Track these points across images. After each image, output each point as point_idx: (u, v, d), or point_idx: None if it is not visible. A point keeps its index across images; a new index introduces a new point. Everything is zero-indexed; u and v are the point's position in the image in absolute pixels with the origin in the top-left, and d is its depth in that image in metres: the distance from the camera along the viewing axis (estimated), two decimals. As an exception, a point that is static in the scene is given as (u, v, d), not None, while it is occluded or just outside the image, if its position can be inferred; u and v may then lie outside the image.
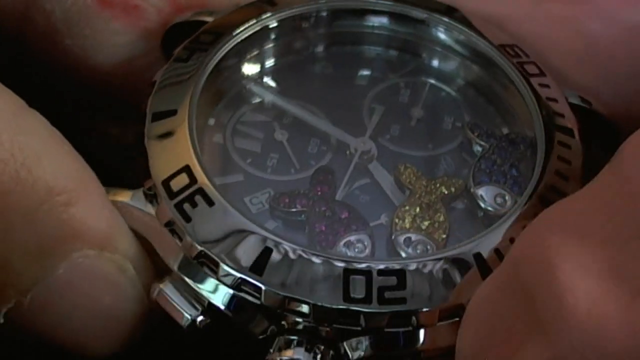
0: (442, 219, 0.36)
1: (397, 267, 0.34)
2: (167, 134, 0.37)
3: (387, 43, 0.42)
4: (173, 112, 0.37)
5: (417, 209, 0.36)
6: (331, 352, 0.34)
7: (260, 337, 0.34)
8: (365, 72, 0.42)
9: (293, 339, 0.34)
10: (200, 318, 0.35)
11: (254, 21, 0.40)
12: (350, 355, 0.34)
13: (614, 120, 0.41)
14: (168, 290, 0.35)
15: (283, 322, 0.34)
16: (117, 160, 0.37)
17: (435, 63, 0.42)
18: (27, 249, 0.33)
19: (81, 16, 0.40)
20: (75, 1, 0.40)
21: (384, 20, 0.42)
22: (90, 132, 0.35)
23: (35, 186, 0.33)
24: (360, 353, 0.34)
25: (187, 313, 0.35)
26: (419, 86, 0.41)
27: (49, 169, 0.34)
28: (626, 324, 0.27)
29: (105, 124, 0.42)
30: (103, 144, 0.36)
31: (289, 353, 0.34)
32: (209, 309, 0.35)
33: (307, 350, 0.34)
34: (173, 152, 0.36)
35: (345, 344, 0.34)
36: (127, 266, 0.35)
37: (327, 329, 0.34)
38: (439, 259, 0.34)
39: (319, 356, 0.34)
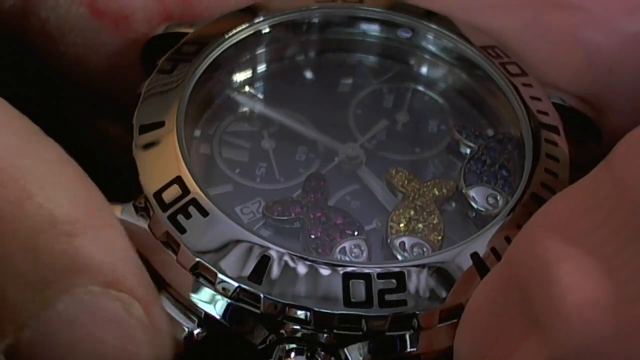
0: (436, 220, 0.36)
1: (396, 269, 0.34)
2: (156, 146, 0.36)
3: (370, 49, 0.42)
4: (161, 124, 0.37)
5: (412, 212, 0.36)
6: (332, 358, 0.34)
7: (260, 346, 0.34)
8: (349, 79, 0.42)
9: (293, 347, 0.34)
10: (197, 330, 0.35)
11: (236, 31, 0.40)
12: None
13: (595, 118, 0.41)
14: (164, 304, 0.35)
15: (282, 331, 0.34)
16: (117, 160, 0.36)
17: (418, 68, 0.42)
18: (25, 280, 0.31)
19: (74, 25, 0.40)
20: (69, 10, 0.40)
21: (366, 27, 0.42)
22: (90, 132, 0.34)
23: (37, 214, 0.31)
24: (361, 358, 0.34)
25: (184, 326, 0.35)
26: (403, 91, 0.42)
27: (53, 197, 0.32)
28: (622, 328, 0.27)
29: (105, 124, 0.42)
30: (103, 144, 0.34)
31: (290, 361, 0.34)
32: (206, 320, 0.34)
33: (307, 358, 0.34)
34: (163, 164, 0.36)
35: (346, 349, 0.34)
36: (134, 306, 0.32)
37: (328, 335, 0.34)
38: (437, 260, 0.34)
39: (319, 364, 0.34)
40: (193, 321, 0.35)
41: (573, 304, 0.28)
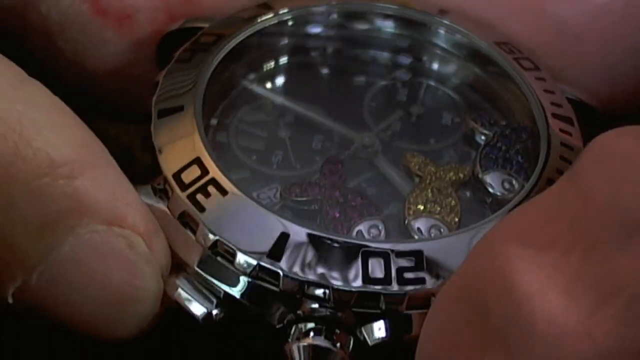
0: (453, 203, 0.37)
1: (414, 248, 0.34)
2: (175, 129, 0.37)
3: (384, 45, 0.43)
4: (179, 108, 0.37)
5: (429, 194, 0.37)
6: (350, 337, 0.34)
7: (278, 326, 0.34)
8: (364, 74, 0.42)
9: (311, 326, 0.34)
10: (216, 310, 0.35)
11: (253, 24, 0.41)
12: (368, 340, 0.34)
13: (604, 111, 0.42)
14: (182, 284, 0.35)
15: (300, 310, 0.34)
16: (117, 160, 0.36)
17: (432, 63, 0.43)
18: (30, 225, 0.32)
19: (75, 21, 0.40)
20: (71, 5, 0.40)
21: (381, 22, 0.42)
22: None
23: (35, 158, 0.32)
24: (378, 337, 0.34)
25: (203, 306, 0.35)
26: (417, 86, 0.42)
27: (50, 140, 0.32)
28: (587, 338, 0.26)
29: (104, 123, 0.42)
30: (103, 144, 0.34)
31: (308, 340, 0.34)
32: (225, 300, 0.34)
33: (326, 337, 0.34)
34: (182, 146, 0.36)
35: (363, 329, 0.34)
36: (137, 242, 0.33)
37: (346, 314, 0.34)
38: (455, 240, 0.34)
39: (338, 343, 0.34)
40: (211, 302, 0.35)
41: (534, 318, 0.27)
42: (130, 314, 0.34)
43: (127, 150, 0.38)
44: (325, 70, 0.42)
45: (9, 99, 0.33)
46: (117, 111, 0.41)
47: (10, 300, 0.32)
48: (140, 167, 0.37)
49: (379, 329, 0.34)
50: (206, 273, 0.35)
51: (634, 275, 0.26)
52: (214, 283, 0.34)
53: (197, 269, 0.35)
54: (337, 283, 0.33)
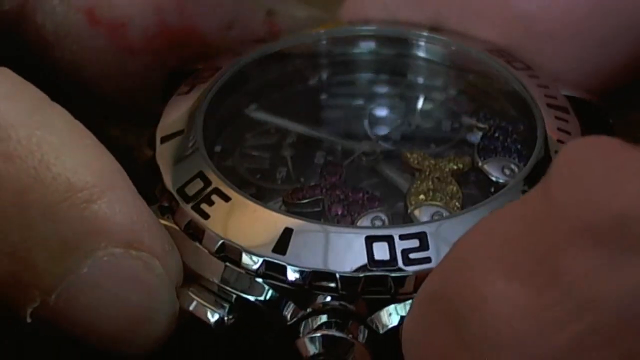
0: (455, 189, 0.37)
1: (417, 230, 0.34)
2: (178, 150, 0.38)
3: (380, 66, 0.44)
4: (181, 132, 0.38)
5: (430, 184, 0.37)
6: (362, 327, 0.34)
7: (290, 322, 0.34)
8: (362, 94, 0.44)
9: (323, 320, 0.34)
10: (229, 316, 0.35)
11: (248, 55, 0.42)
12: (380, 328, 0.34)
13: (603, 106, 0.42)
14: (195, 295, 0.35)
15: (311, 305, 0.34)
16: (118, 161, 0.37)
17: (427, 77, 0.44)
18: (49, 247, 0.32)
19: (70, 32, 0.41)
20: (66, 16, 0.41)
21: (373, 45, 0.44)
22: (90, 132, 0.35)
23: (54, 183, 0.33)
24: (390, 324, 0.34)
25: (216, 313, 0.35)
26: (415, 100, 0.43)
27: (69, 164, 0.33)
28: (554, 355, 0.27)
29: (105, 124, 0.43)
30: (103, 144, 0.35)
31: (320, 331, 0.34)
32: (237, 304, 0.35)
33: (338, 328, 0.34)
34: (185, 164, 0.37)
35: (374, 317, 0.34)
36: (154, 264, 0.33)
37: (356, 304, 0.34)
38: (458, 220, 0.34)
39: (350, 335, 0.34)
40: (223, 308, 0.35)
41: (505, 337, 0.27)
42: (146, 333, 0.34)
43: (127, 151, 0.38)
44: (323, 95, 0.44)
45: (28, 124, 0.34)
46: (119, 112, 0.42)
47: (28, 320, 0.33)
48: (153, 188, 0.37)
49: (389, 315, 0.34)
50: (216, 280, 0.35)
51: (596, 300, 0.26)
52: (225, 289, 0.35)
53: (207, 277, 0.35)
54: (343, 270, 0.33)
